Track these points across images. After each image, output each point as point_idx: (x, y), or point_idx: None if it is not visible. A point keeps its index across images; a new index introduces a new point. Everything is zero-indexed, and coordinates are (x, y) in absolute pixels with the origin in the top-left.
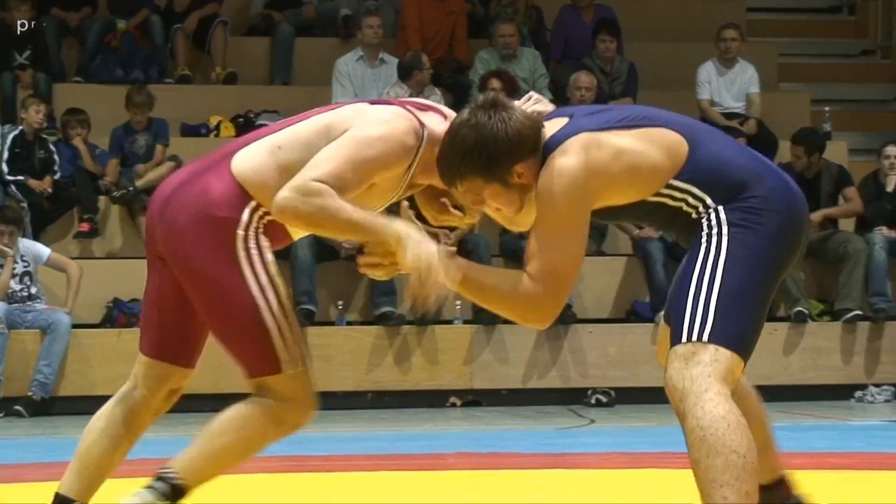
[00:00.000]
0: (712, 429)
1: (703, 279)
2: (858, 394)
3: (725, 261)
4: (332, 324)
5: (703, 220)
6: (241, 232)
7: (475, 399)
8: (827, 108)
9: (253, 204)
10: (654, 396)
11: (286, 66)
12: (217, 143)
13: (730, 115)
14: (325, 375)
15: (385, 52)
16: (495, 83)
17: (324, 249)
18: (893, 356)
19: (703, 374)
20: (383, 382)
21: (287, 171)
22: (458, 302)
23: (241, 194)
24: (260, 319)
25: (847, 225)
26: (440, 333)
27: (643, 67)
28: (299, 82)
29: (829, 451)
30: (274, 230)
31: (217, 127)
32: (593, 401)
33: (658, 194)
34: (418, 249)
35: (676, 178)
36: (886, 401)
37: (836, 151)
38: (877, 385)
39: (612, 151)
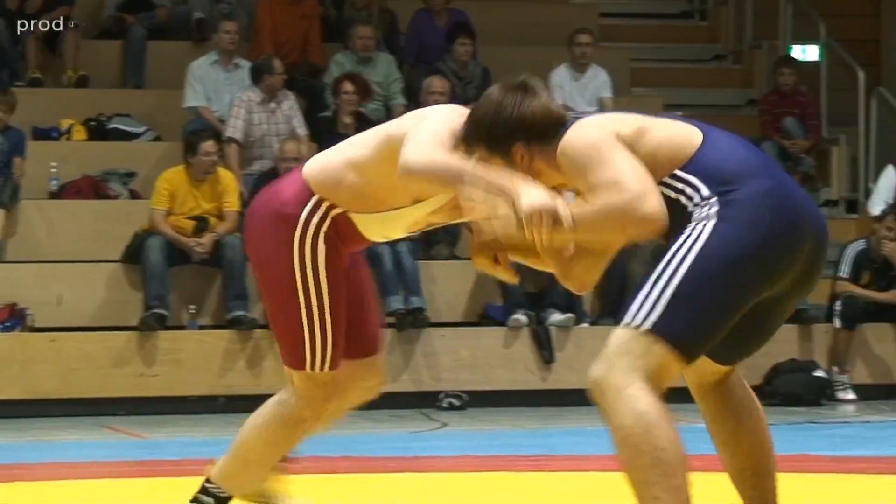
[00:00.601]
0: (635, 427)
1: (668, 266)
2: None
3: (698, 251)
4: (183, 328)
5: (695, 212)
6: (299, 230)
7: None
8: (679, 113)
9: (315, 199)
10: (505, 399)
11: (139, 70)
12: (69, 146)
13: None
14: (176, 380)
15: (239, 57)
16: (348, 87)
17: (176, 253)
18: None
19: (628, 368)
20: (236, 386)
21: (354, 165)
22: None
23: (306, 192)
24: (298, 318)
25: None
26: None
27: (497, 72)
28: (152, 85)
29: None
30: (345, 229)
31: (69, 130)
32: (446, 404)
33: (661, 183)
34: (535, 194)
35: (682, 168)
36: None
37: None
38: None
39: (634, 127)
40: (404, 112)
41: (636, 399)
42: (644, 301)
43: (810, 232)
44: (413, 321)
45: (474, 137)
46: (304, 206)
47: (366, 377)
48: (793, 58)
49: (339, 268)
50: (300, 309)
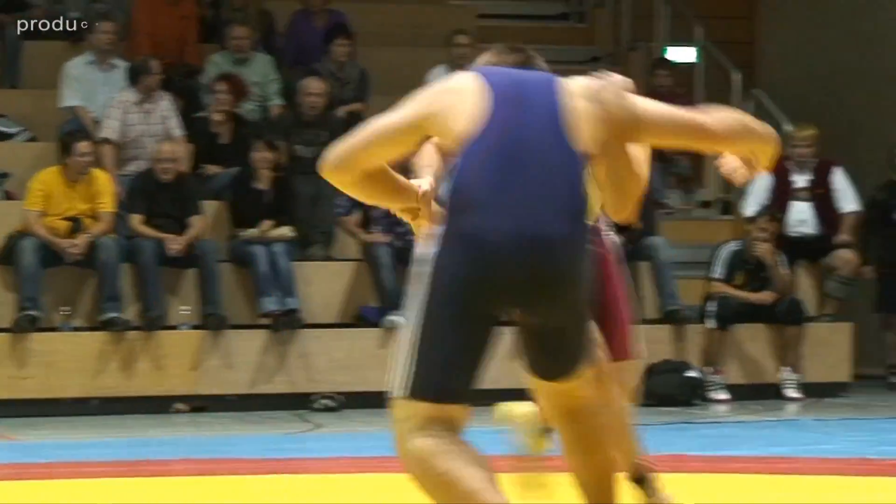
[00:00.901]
0: (417, 472)
1: (406, 329)
2: None
3: (418, 306)
4: (57, 329)
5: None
6: None
7: (201, 405)
8: None
9: None
10: (380, 400)
11: (14, 69)
12: None
13: None
14: (49, 382)
15: (116, 57)
16: (222, 87)
17: (49, 255)
18: None
19: (399, 434)
20: (109, 388)
21: None
22: (185, 307)
23: None
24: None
25: None
26: (166, 339)
27: (375, 72)
28: (27, 85)
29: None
30: None
31: None
32: (320, 405)
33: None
34: None
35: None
36: None
37: None
38: None
39: None
40: (281, 112)
41: (410, 448)
42: (396, 371)
43: (505, 262)
44: (288, 322)
45: None
46: None
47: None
48: (669, 59)
49: None
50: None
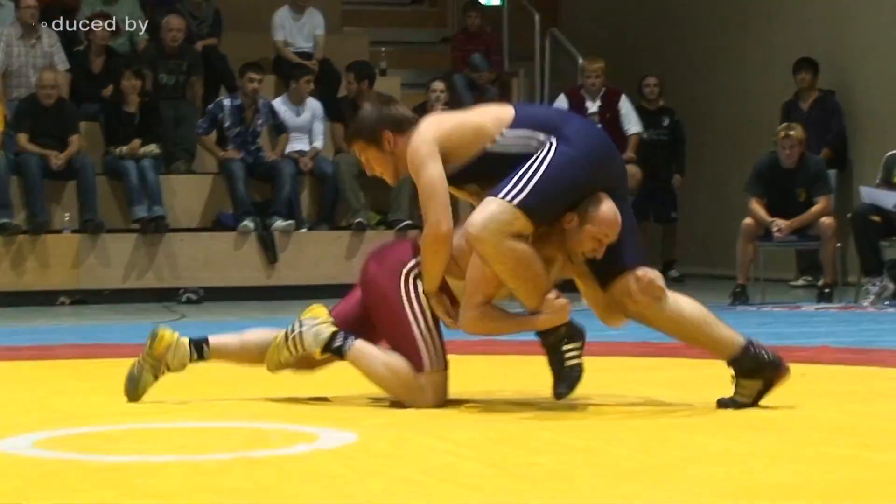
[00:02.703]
0: (512, 261)
1: (532, 164)
2: None
3: (550, 159)
4: None
5: (539, 150)
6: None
7: (82, 298)
8: (383, 49)
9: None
10: (236, 294)
11: None
12: None
13: (301, 54)
14: None
15: None
16: (97, 23)
17: None
18: None
19: (498, 231)
20: (2, 284)
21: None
22: (66, 214)
23: (413, 251)
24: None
25: None
26: (51, 241)
27: (227, 12)
28: None
29: None
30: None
31: None
32: (185, 299)
33: (495, 144)
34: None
35: (510, 127)
36: None
37: (391, 85)
38: None
39: (452, 122)
40: (146, 45)
41: (511, 246)
42: (516, 184)
43: (614, 155)
44: (156, 227)
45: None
46: (410, 261)
47: None
48: (478, 2)
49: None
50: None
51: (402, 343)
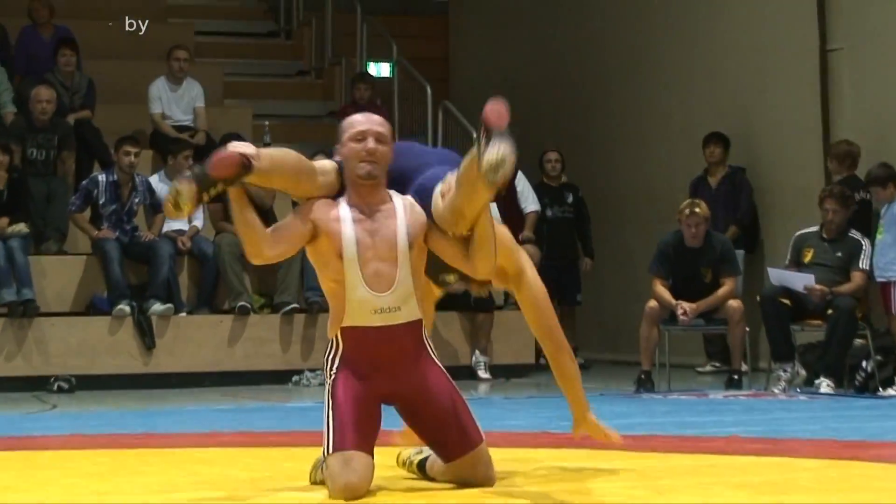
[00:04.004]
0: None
1: None
2: (295, 378)
3: None
4: None
5: None
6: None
7: None
8: (266, 122)
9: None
10: (111, 383)
11: None
12: None
13: (180, 128)
14: None
15: None
16: None
17: None
18: (324, 344)
19: None
20: None
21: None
22: None
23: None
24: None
25: None
26: None
27: (101, 83)
28: None
29: (269, 430)
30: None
31: None
32: (56, 387)
33: None
34: None
35: None
36: (320, 384)
37: None
38: (311, 370)
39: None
40: (14, 118)
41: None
42: None
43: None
44: (24, 311)
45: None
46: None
47: None
48: (368, 73)
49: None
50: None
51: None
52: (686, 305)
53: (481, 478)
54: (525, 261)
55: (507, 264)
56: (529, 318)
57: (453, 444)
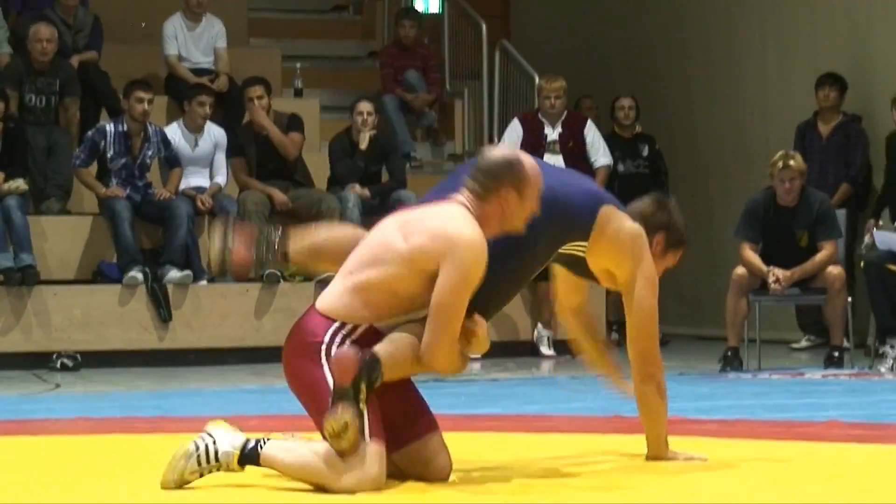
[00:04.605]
0: None
1: None
2: None
3: None
4: None
5: None
6: (324, 351)
7: None
8: (298, 65)
9: (335, 326)
10: (121, 359)
11: None
12: None
13: (199, 72)
14: None
15: None
16: None
17: None
18: None
19: None
20: None
21: (363, 288)
22: None
23: (326, 322)
24: None
25: (319, 182)
26: None
27: (108, 20)
28: None
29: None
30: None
31: None
32: (59, 365)
33: None
34: None
35: None
36: None
37: (307, 108)
38: None
39: None
40: (10, 60)
41: None
42: None
43: None
44: (23, 279)
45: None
46: (326, 333)
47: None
48: (414, 9)
49: None
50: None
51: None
52: (779, 272)
53: (433, 470)
54: (642, 272)
55: (620, 271)
56: (628, 335)
57: (401, 430)
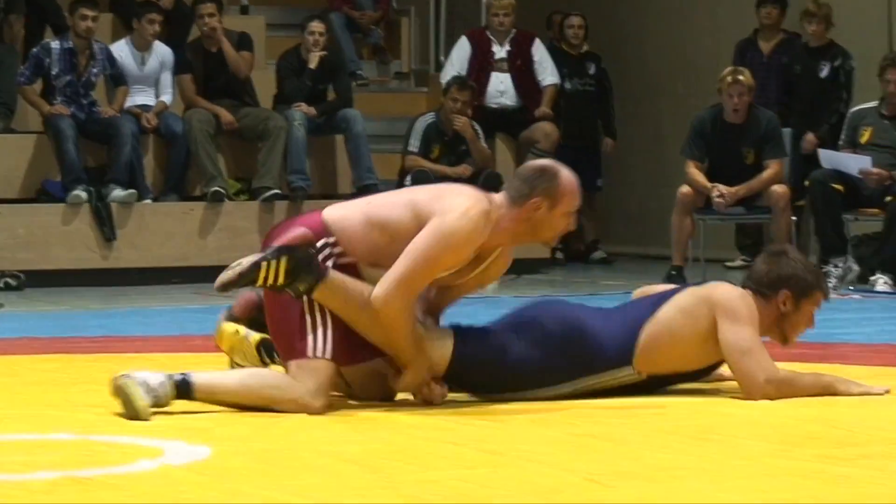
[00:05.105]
0: None
1: None
2: None
3: None
4: None
5: None
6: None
7: None
8: None
9: (325, 241)
10: (65, 279)
11: None
12: None
13: None
14: None
15: None
16: None
17: None
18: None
19: None
20: None
21: (377, 224)
22: None
23: (322, 231)
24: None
25: (266, 101)
26: None
27: None
28: None
29: None
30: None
31: None
32: (2, 284)
33: None
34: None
35: None
36: None
37: (254, 26)
38: None
39: None
40: None
41: None
42: None
43: None
44: None
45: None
46: (319, 240)
47: None
48: None
49: None
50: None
51: (287, 327)
52: (723, 188)
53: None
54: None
55: None
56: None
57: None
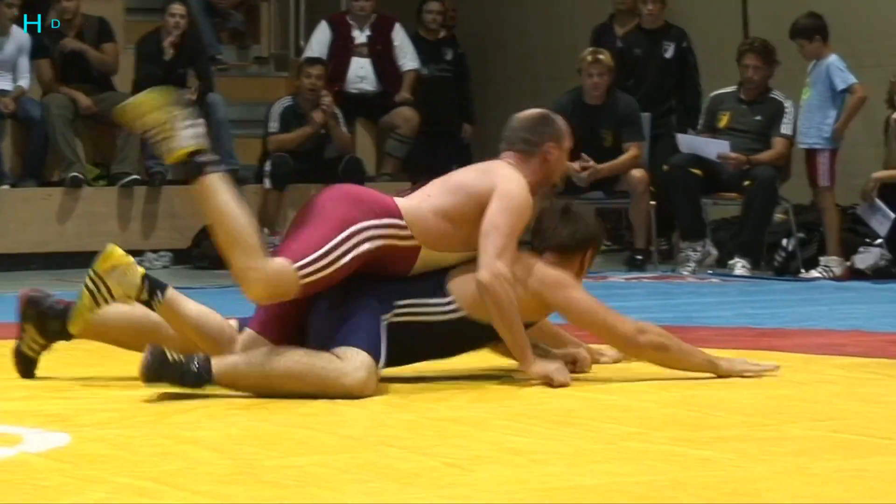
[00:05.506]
0: None
1: None
2: (137, 259)
3: None
4: None
5: None
6: (361, 225)
7: None
8: None
9: (390, 221)
10: None
11: None
12: None
13: None
14: None
15: None
16: None
17: None
18: (171, 221)
19: None
20: None
21: (436, 213)
22: None
23: (395, 211)
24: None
25: (124, 85)
26: None
27: None
28: None
29: None
30: (389, 255)
31: None
32: None
33: None
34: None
35: None
36: (164, 266)
37: (112, 9)
38: (154, 251)
39: None
40: None
41: None
42: None
43: None
44: None
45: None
46: (381, 219)
47: None
48: None
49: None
50: (331, 241)
51: (302, 238)
52: (586, 161)
53: None
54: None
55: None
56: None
57: None
